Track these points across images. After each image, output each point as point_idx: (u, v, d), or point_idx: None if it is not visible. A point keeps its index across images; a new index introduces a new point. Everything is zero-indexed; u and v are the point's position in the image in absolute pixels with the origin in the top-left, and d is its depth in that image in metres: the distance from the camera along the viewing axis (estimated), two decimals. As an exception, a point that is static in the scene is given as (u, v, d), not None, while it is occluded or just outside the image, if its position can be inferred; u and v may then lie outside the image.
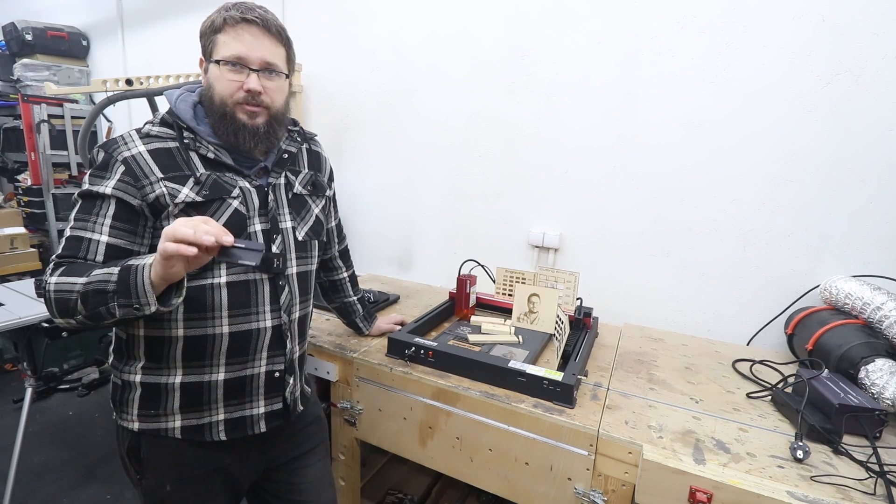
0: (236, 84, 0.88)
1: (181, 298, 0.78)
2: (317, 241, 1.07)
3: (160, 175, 0.86)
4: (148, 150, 0.87)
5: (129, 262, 0.75)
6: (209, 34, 0.90)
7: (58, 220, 3.24)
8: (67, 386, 2.73)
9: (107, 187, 0.84)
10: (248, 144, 0.92)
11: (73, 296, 0.76)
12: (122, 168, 0.84)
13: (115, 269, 0.75)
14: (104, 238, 0.83)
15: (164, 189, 0.85)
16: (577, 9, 1.62)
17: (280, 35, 0.92)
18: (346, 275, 1.33)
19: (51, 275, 0.80)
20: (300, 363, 1.07)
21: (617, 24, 1.56)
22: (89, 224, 0.83)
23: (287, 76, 0.96)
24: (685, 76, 1.49)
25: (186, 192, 0.87)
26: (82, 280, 0.76)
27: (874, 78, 1.28)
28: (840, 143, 1.34)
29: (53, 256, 0.83)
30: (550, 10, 1.66)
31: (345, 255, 1.33)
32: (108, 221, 0.84)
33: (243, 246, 0.73)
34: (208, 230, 0.70)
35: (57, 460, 2.18)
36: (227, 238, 0.72)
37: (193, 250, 0.69)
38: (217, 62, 0.88)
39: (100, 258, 0.83)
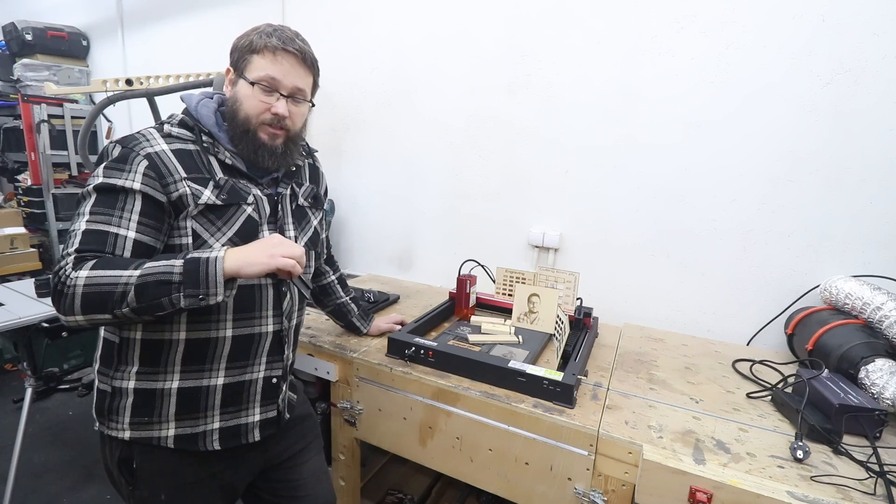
0: (264, 105, 0.90)
1: (234, 290, 0.87)
2: (314, 252, 1.10)
3: (184, 174, 0.86)
4: (171, 150, 0.87)
5: (193, 255, 0.77)
6: (245, 52, 0.91)
7: (58, 220, 3.24)
8: (67, 386, 2.71)
9: (133, 182, 0.81)
10: (266, 163, 0.94)
11: (121, 288, 0.73)
12: (145, 163, 0.83)
13: (178, 262, 0.76)
14: (132, 234, 0.81)
15: (187, 189, 0.85)
16: (577, 9, 1.62)
17: (313, 66, 0.96)
18: (333, 277, 1.34)
19: (75, 269, 0.74)
20: (290, 371, 1.09)
21: (617, 24, 1.56)
22: (114, 219, 0.80)
23: (311, 104, 0.99)
24: (685, 76, 1.49)
25: (208, 195, 0.87)
26: (133, 272, 0.74)
27: (874, 78, 1.28)
28: (840, 143, 1.34)
29: (71, 250, 0.77)
30: (550, 10, 1.66)
31: (330, 260, 1.35)
32: (135, 217, 0.81)
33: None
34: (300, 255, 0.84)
35: (57, 460, 2.17)
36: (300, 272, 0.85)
37: (300, 270, 0.83)
38: (251, 82, 0.89)
39: (126, 255, 0.80)
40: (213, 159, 0.91)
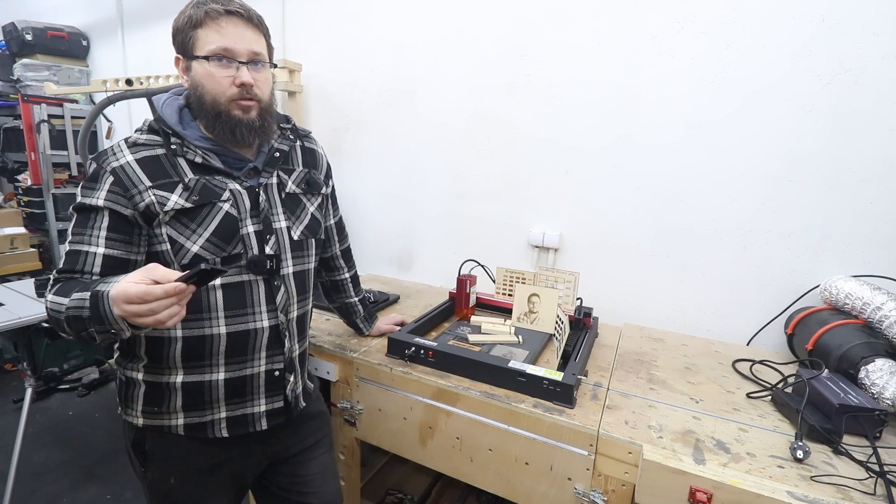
0: (227, 79, 0.87)
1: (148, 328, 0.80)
2: (314, 240, 1.07)
3: (148, 183, 0.86)
4: (136, 159, 0.87)
5: (97, 289, 0.73)
6: (187, 30, 0.87)
7: (58, 220, 3.24)
8: (67, 386, 2.73)
9: (98, 199, 0.84)
10: (246, 140, 0.91)
11: (61, 317, 0.77)
12: (110, 178, 0.85)
13: (87, 295, 0.73)
14: (100, 250, 0.84)
15: (152, 197, 0.85)
16: (577, 9, 1.62)
17: (261, 25, 0.92)
18: (347, 275, 1.32)
19: (49, 291, 0.82)
20: (301, 361, 1.07)
21: (617, 24, 1.56)
22: (85, 237, 0.84)
23: (272, 66, 0.95)
24: (685, 76, 1.49)
25: (175, 199, 0.86)
26: (66, 302, 0.77)
27: (874, 78, 1.27)
28: (840, 143, 1.34)
29: (55, 272, 0.85)
30: (550, 11, 1.66)
31: (346, 254, 1.32)
32: (103, 234, 0.84)
33: (196, 272, 0.69)
34: (165, 306, 0.69)
35: (57, 460, 2.17)
36: (181, 286, 0.69)
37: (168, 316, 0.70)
38: (205, 58, 0.86)
39: (97, 269, 0.84)
40: (181, 160, 0.89)
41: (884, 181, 1.31)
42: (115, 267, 0.85)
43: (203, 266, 0.69)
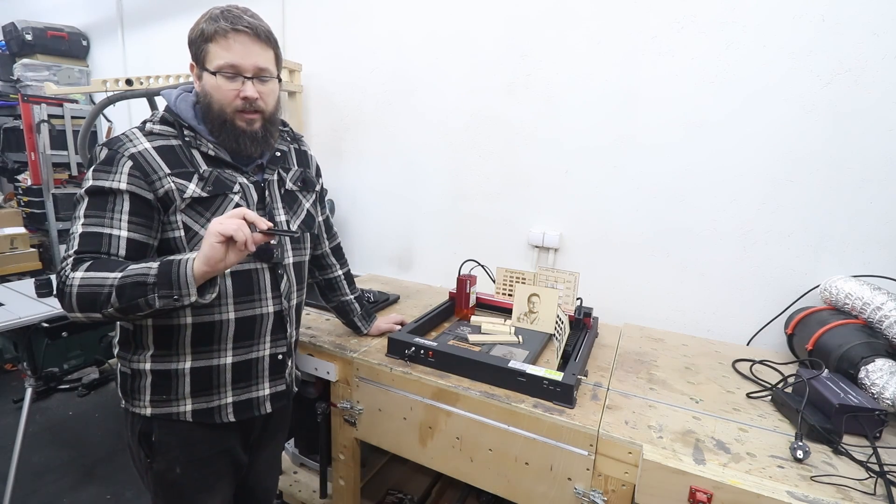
0: (233, 92, 0.92)
1: (215, 293, 0.84)
2: (309, 234, 1.13)
3: (167, 171, 0.89)
4: (154, 147, 0.90)
5: (169, 258, 0.79)
6: (199, 43, 0.92)
7: (58, 220, 3.24)
8: (67, 386, 2.73)
9: (120, 183, 0.86)
10: (249, 149, 0.96)
11: (106, 289, 0.78)
12: (129, 163, 0.87)
13: (154, 264, 0.78)
14: (124, 233, 0.86)
15: (172, 184, 0.88)
16: (577, 9, 1.62)
17: (269, 40, 0.95)
18: (340, 272, 1.35)
19: (73, 270, 0.80)
20: (295, 347, 1.15)
21: (617, 24, 1.56)
22: (106, 220, 0.85)
23: (278, 78, 0.99)
24: (685, 76, 1.49)
25: (193, 188, 0.90)
26: (116, 274, 0.78)
27: (874, 78, 1.27)
28: (840, 144, 1.34)
29: (70, 252, 0.83)
30: (550, 11, 1.66)
31: (337, 252, 1.36)
32: (125, 217, 0.86)
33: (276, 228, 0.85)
34: (248, 230, 0.78)
35: (57, 460, 2.17)
36: (267, 224, 0.81)
37: (252, 248, 0.79)
38: (212, 72, 0.90)
39: (122, 253, 0.85)
40: (195, 152, 0.94)
41: (884, 181, 1.31)
42: (137, 250, 0.86)
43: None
